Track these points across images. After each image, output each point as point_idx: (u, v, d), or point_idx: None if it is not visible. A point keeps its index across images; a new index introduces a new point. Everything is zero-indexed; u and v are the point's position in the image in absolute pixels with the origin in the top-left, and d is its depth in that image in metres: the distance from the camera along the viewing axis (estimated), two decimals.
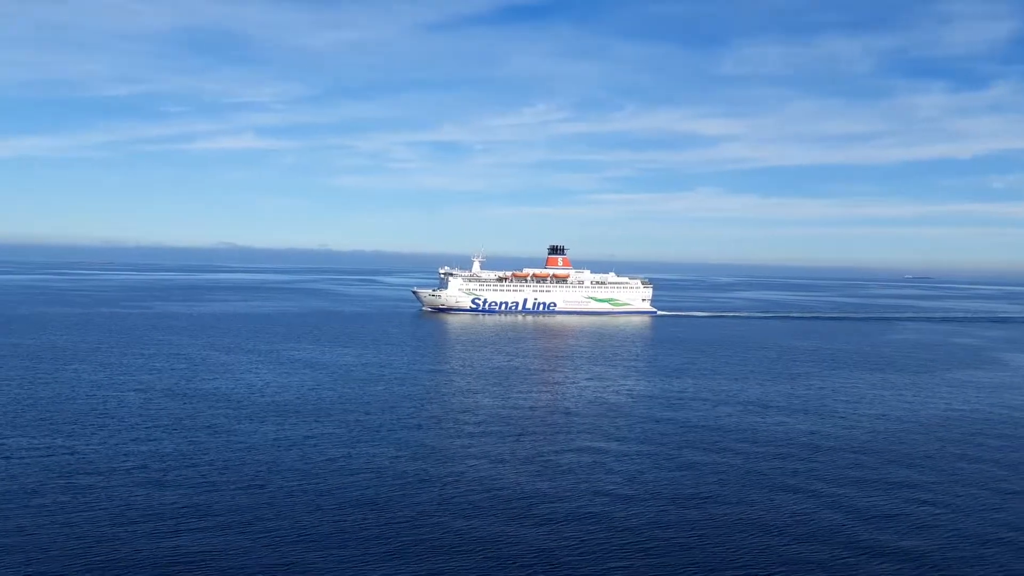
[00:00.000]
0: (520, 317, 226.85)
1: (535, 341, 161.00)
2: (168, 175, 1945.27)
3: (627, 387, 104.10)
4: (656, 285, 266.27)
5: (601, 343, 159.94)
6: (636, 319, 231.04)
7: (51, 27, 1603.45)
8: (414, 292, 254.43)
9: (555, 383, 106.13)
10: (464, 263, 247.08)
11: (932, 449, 72.79)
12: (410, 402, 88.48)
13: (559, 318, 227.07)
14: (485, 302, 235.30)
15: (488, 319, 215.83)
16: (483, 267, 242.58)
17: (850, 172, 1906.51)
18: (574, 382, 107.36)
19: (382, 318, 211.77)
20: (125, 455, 62.12)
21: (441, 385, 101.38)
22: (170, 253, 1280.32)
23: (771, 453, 69.25)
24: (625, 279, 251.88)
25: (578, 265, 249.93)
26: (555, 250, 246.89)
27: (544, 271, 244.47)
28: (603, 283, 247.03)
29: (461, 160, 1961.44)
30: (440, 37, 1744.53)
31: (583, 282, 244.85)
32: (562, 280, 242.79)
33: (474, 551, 44.56)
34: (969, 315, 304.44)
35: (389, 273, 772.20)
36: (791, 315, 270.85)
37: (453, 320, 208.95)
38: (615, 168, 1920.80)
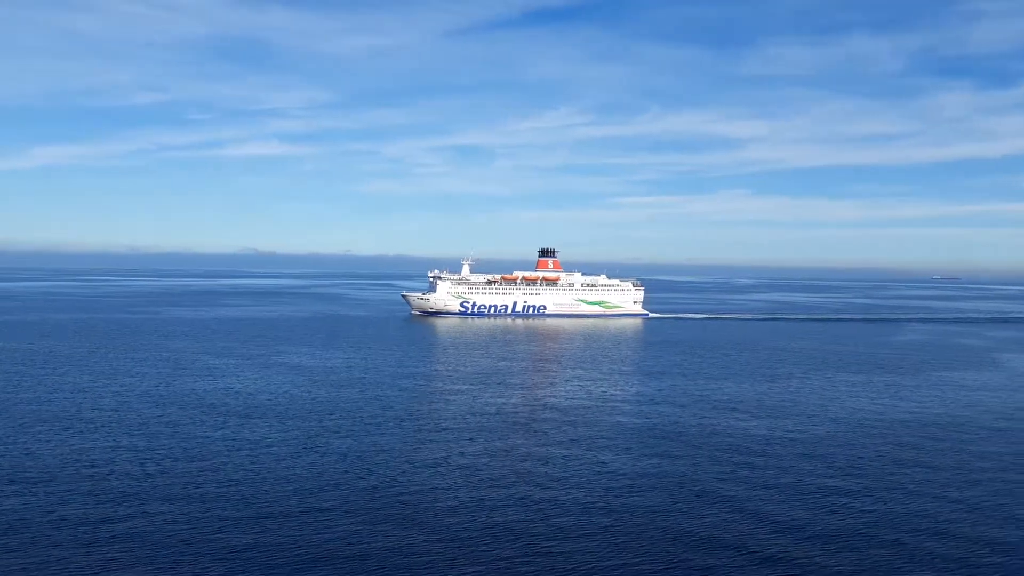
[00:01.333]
0: (509, 320, 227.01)
1: (518, 345, 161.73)
2: (193, 182, 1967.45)
3: (601, 390, 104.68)
4: (648, 287, 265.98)
5: (586, 346, 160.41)
6: (627, 321, 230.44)
7: (77, 37, 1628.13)
8: (403, 296, 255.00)
9: (529, 386, 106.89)
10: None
11: (868, 452, 72.81)
12: (373, 406, 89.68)
13: (548, 321, 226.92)
14: (474, 305, 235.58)
15: (477, 322, 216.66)
16: (473, 270, 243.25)
17: (877, 173, 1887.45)
18: (551, 384, 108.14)
19: (369, 322, 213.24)
20: (78, 454, 63.79)
21: (412, 388, 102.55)
22: (193, 259, 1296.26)
23: (715, 455, 69.70)
24: (616, 281, 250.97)
25: (569, 268, 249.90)
26: (545, 253, 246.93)
27: (534, 274, 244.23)
28: (593, 285, 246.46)
29: (483, 164, 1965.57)
30: (464, 42, 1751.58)
31: (573, 285, 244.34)
32: (552, 283, 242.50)
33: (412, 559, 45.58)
34: (983, 316, 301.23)
35: (408, 277, 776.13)
36: (790, 317, 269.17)
37: (441, 324, 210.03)
38: (638, 171, 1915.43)
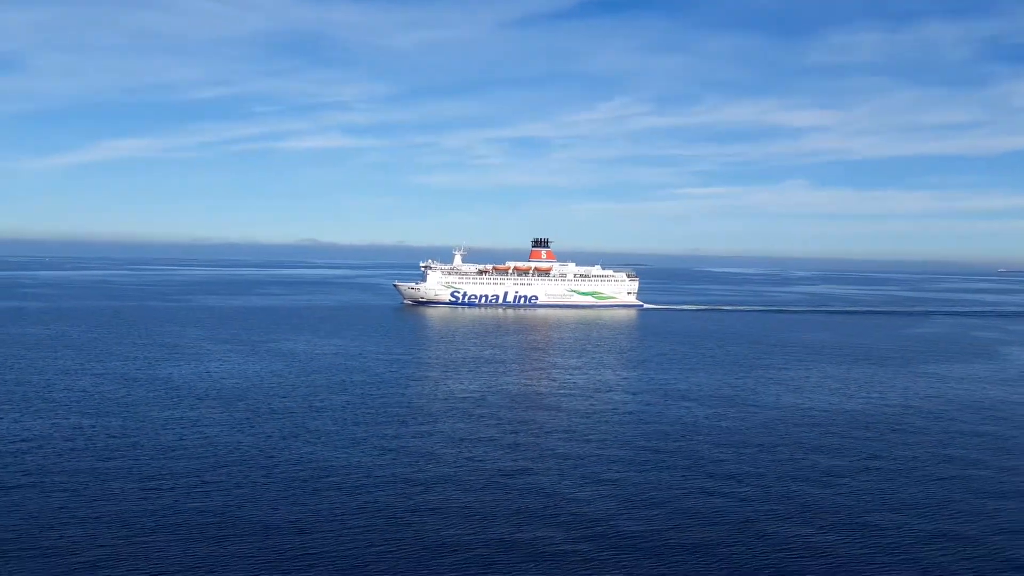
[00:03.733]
0: (500, 310, 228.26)
1: (504, 336, 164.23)
2: (257, 174, 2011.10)
3: (573, 379, 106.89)
4: (642, 276, 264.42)
5: (571, 336, 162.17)
6: (620, 312, 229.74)
7: (147, 34, 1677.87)
8: (395, 285, 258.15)
9: (496, 373, 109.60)
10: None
11: (797, 441, 73.78)
12: (334, 390, 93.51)
13: (540, 312, 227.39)
14: (465, 295, 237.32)
15: (467, 312, 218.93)
16: (465, 260, 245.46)
17: (948, 163, 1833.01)
18: (519, 372, 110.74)
19: (360, 311, 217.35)
20: (20, 429, 68.89)
21: (379, 371, 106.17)
22: (253, 249, 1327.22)
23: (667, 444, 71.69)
24: (610, 272, 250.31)
25: (563, 258, 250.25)
26: (539, 243, 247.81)
27: (526, 264, 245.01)
28: (587, 276, 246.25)
29: (541, 156, 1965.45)
30: (524, 34, 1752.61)
31: (566, 275, 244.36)
32: (544, 273, 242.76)
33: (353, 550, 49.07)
34: (1018, 309, 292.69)
35: None
36: (801, 309, 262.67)
37: (431, 313, 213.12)
38: (697, 162, 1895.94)
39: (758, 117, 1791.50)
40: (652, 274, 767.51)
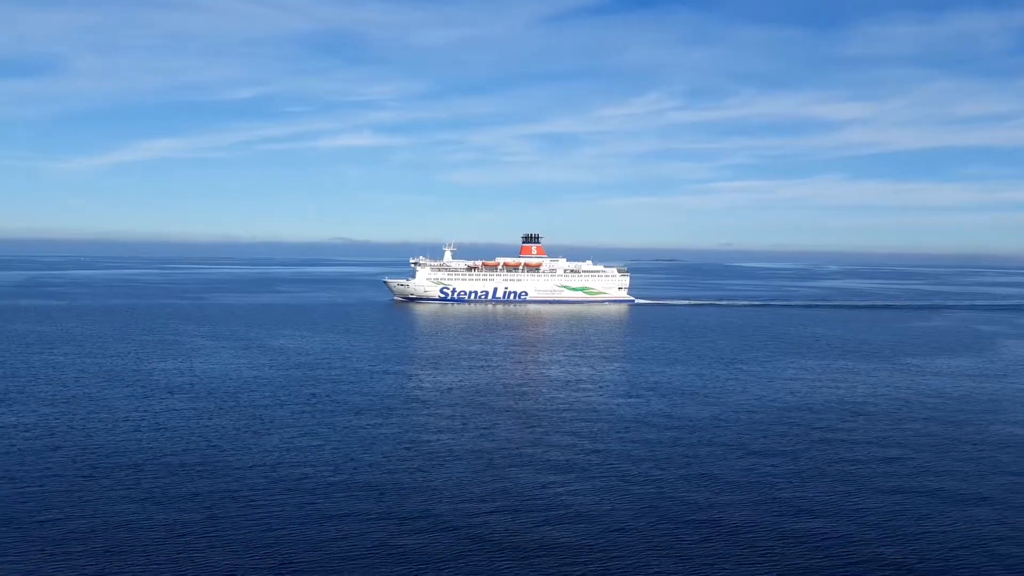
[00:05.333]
0: (490, 306, 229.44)
1: (489, 332, 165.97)
2: (290, 173, 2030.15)
3: (550, 375, 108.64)
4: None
5: (558, 331, 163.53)
6: (611, 308, 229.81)
7: (182, 36, 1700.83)
8: (385, 282, 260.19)
9: (472, 368, 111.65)
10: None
11: (762, 436, 74.86)
12: (297, 385, 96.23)
13: (530, 307, 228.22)
14: (454, 291, 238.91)
15: (455, 308, 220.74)
16: (455, 256, 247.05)
17: (987, 155, 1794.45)
18: (498, 367, 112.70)
19: (351, 308, 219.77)
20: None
21: (354, 367, 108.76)
22: (285, 248, 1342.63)
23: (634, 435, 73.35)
24: (600, 267, 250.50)
25: (554, 253, 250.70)
26: (529, 238, 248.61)
27: (516, 260, 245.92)
28: (577, 271, 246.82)
29: (570, 152, 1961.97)
30: (554, 30, 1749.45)
31: (555, 270, 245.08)
32: (534, 269, 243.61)
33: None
34: None
35: None
36: (802, 304, 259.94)
37: (419, 309, 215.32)
38: (729, 156, 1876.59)
39: (792, 110, 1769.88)
40: (680, 270, 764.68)
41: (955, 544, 46.79)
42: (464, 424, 75.35)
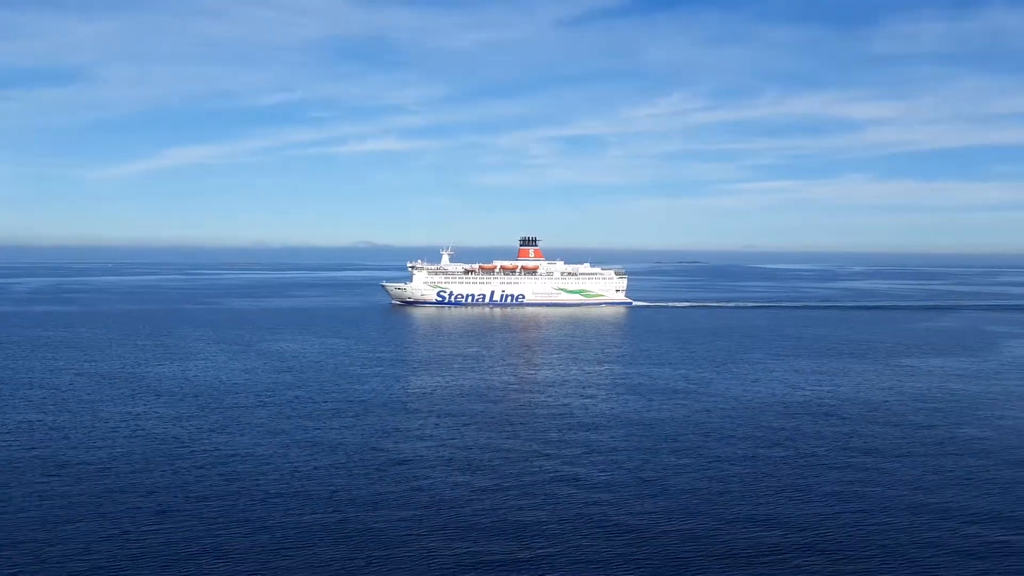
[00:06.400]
0: (487, 309, 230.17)
1: (485, 335, 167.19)
2: (317, 178, 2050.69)
3: (540, 377, 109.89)
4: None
5: (554, 335, 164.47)
6: (607, 310, 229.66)
7: (210, 43, 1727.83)
8: (383, 285, 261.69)
9: (464, 370, 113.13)
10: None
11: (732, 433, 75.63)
12: (284, 388, 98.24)
13: (527, 310, 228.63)
14: (451, 295, 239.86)
15: (452, 311, 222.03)
16: (453, 260, 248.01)
17: (1021, 153, 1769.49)
18: (483, 370, 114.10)
19: (350, 311, 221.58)
20: None
21: (337, 371, 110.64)
22: (312, 253, 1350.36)
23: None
24: (598, 270, 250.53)
25: (551, 256, 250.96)
26: (526, 241, 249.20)
27: (513, 263, 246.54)
28: (574, 274, 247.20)
29: (596, 154, 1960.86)
30: (579, 32, 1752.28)
31: (552, 273, 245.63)
32: (531, 272, 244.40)
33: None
34: None
35: None
36: (798, 305, 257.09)
37: (416, 312, 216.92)
38: (755, 156, 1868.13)
39: (819, 110, 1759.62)
40: (701, 272, 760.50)
41: (890, 550, 47.50)
42: (436, 426, 76.88)
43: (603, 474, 60.66)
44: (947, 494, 56.73)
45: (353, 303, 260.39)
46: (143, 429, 73.82)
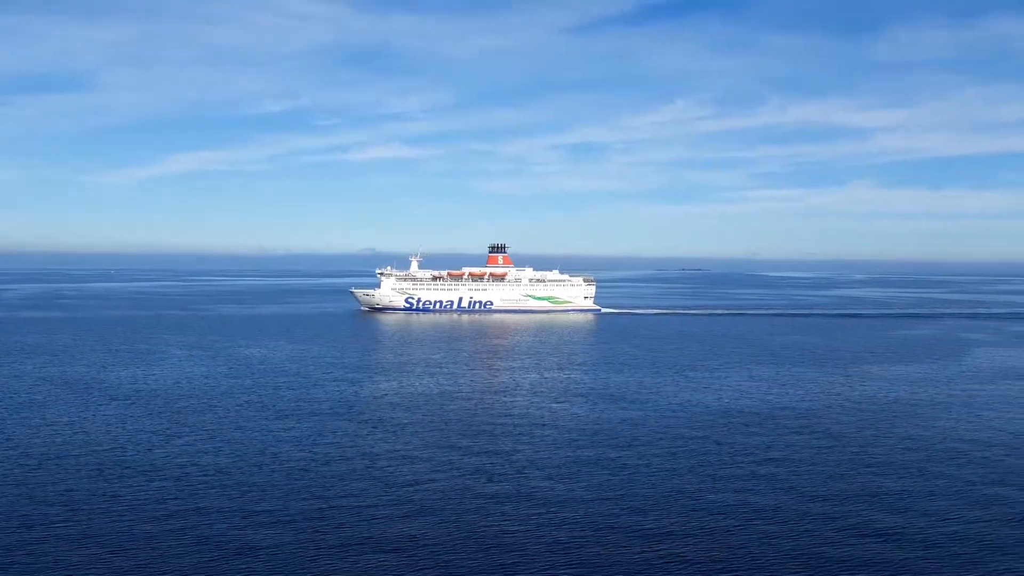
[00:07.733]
0: (455, 316, 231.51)
1: (446, 342, 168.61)
2: (322, 185, 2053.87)
3: (496, 382, 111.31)
4: (600, 282, 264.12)
5: (520, 341, 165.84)
6: (575, 317, 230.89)
7: (214, 49, 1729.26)
8: (352, 292, 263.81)
9: (406, 376, 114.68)
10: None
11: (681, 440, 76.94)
12: (239, 392, 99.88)
13: (494, 317, 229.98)
14: (419, 301, 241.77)
15: (420, 318, 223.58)
16: (421, 266, 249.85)
17: None
18: (429, 376, 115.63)
19: (320, 318, 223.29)
20: None
21: (294, 375, 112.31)
22: (316, 259, 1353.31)
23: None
24: (566, 277, 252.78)
25: (520, 263, 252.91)
26: (495, 248, 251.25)
27: (481, 270, 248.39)
28: (543, 281, 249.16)
29: (600, 161, 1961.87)
30: (582, 39, 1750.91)
31: (521, 280, 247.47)
32: (499, 278, 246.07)
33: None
34: None
35: None
36: (772, 313, 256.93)
37: (383, 319, 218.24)
38: (759, 164, 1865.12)
39: (822, 117, 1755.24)
40: (701, 279, 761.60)
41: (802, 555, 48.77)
42: (374, 428, 78.38)
43: (506, 481, 62.08)
44: (848, 506, 57.87)
45: (330, 309, 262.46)
46: (86, 431, 75.34)
